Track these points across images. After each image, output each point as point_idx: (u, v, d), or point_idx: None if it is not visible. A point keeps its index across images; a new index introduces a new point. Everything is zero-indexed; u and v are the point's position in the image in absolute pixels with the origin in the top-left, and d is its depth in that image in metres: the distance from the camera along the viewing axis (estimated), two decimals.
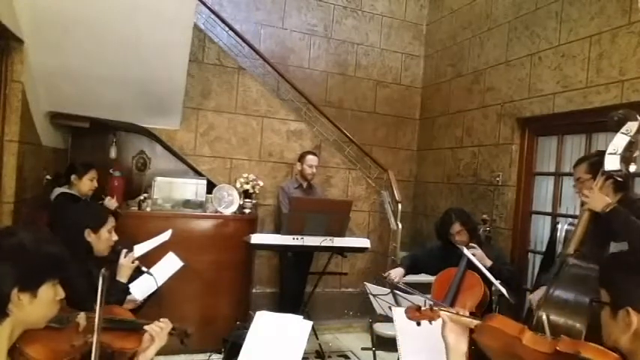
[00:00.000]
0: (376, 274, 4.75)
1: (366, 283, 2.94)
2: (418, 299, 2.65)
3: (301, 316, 1.93)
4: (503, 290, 2.78)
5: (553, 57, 3.77)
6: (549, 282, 2.09)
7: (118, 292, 2.32)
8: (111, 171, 4.11)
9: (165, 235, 2.74)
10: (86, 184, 3.35)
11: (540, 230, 4.03)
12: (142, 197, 3.90)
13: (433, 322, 1.44)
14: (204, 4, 4.63)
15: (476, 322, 1.36)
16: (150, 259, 2.53)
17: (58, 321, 1.45)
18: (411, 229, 5.65)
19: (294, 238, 3.42)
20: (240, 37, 4.78)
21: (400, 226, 4.66)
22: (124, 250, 2.40)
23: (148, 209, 3.85)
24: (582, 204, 2.22)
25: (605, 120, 2.23)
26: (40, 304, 1.29)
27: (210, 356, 3.57)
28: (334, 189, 4.91)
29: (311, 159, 4.24)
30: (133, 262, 2.38)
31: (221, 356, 3.51)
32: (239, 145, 4.57)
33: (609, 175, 2.09)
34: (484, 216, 3.34)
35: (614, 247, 2.23)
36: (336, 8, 5.58)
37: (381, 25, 5.78)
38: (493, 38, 4.54)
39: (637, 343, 1.14)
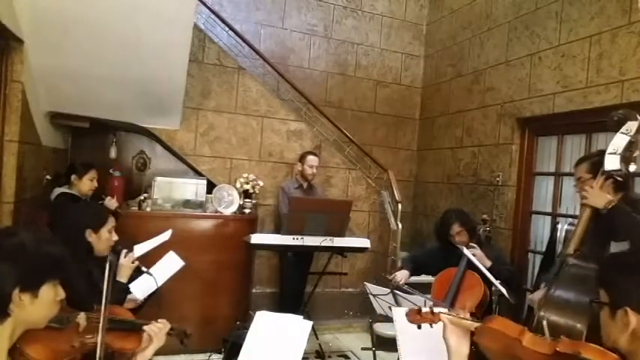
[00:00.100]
0: (376, 274, 4.75)
1: (366, 283, 2.94)
2: (418, 299, 2.65)
3: (301, 316, 1.93)
4: (503, 290, 2.78)
5: (553, 57, 3.77)
6: (549, 282, 2.09)
7: (118, 292, 2.31)
8: (111, 171, 4.11)
9: (165, 235, 2.74)
10: (86, 184, 3.35)
11: (540, 230, 4.03)
12: (142, 197, 3.90)
13: (434, 325, 1.44)
14: (204, 4, 4.63)
15: (476, 324, 1.36)
16: (150, 259, 2.53)
17: (59, 321, 1.45)
18: (411, 229, 5.65)
19: (294, 238, 3.42)
20: (240, 37, 4.78)
21: (400, 226, 4.66)
22: (124, 251, 2.40)
23: (148, 209, 3.85)
24: (582, 205, 2.21)
25: (605, 120, 2.23)
26: (40, 304, 1.29)
27: (210, 356, 3.57)
28: (334, 189, 4.91)
29: (312, 159, 4.25)
30: (133, 262, 2.39)
31: (221, 356, 3.51)
32: (239, 145, 4.57)
33: (609, 174, 2.09)
34: (484, 216, 3.34)
35: (614, 247, 2.23)
36: (336, 8, 5.58)
37: (381, 25, 5.78)
38: (493, 38, 4.54)
39: (636, 343, 1.14)
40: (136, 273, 2.41)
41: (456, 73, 5.15)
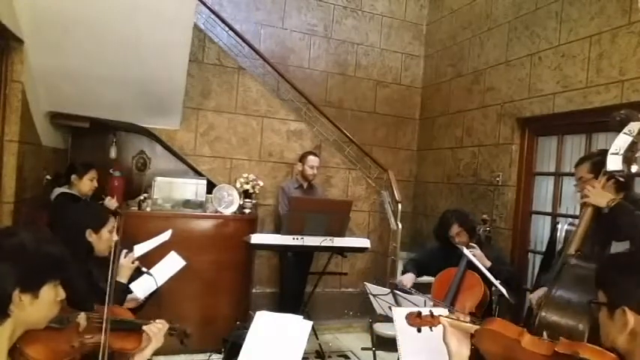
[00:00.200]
0: (376, 274, 4.77)
1: (366, 283, 2.94)
2: (418, 299, 2.65)
3: (301, 316, 1.93)
4: (503, 290, 2.78)
5: (553, 57, 3.77)
6: (550, 283, 2.09)
7: (118, 292, 2.31)
8: (111, 171, 4.11)
9: (165, 235, 2.73)
10: (86, 184, 3.35)
11: (540, 230, 4.03)
12: (142, 197, 3.90)
13: (434, 328, 1.45)
14: (204, 4, 4.63)
15: (476, 327, 1.36)
16: (150, 259, 2.53)
17: (59, 321, 1.45)
18: (411, 229, 5.65)
19: (294, 238, 3.41)
20: (240, 37, 4.78)
21: (400, 226, 4.66)
22: (124, 251, 2.40)
23: (148, 209, 3.85)
24: (582, 205, 2.21)
25: (605, 120, 2.23)
26: (41, 304, 1.29)
27: (210, 356, 3.57)
28: (334, 189, 4.91)
29: (312, 159, 4.25)
30: (133, 263, 2.38)
31: (221, 356, 3.51)
32: (239, 145, 4.57)
33: (611, 175, 2.09)
34: (484, 216, 3.34)
35: (615, 247, 2.23)
36: (336, 8, 5.58)
37: (381, 25, 5.78)
38: (493, 38, 4.54)
39: (634, 343, 1.14)
40: (136, 273, 2.41)
41: (456, 73, 5.15)
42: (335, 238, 3.51)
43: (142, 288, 2.38)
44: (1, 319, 1.22)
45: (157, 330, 1.68)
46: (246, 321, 2.78)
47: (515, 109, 4.16)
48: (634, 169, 2.04)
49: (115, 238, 2.41)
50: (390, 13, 5.81)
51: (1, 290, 1.21)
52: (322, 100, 5.46)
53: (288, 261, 4.11)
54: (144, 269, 2.40)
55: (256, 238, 3.45)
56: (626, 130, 2.05)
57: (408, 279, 3.14)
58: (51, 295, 1.32)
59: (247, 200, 4.16)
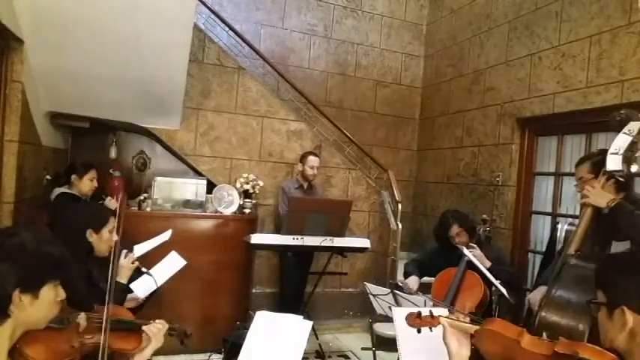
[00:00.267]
0: (376, 274, 4.76)
1: (366, 283, 2.94)
2: (418, 299, 2.65)
3: (301, 316, 1.93)
4: (503, 290, 2.78)
5: (553, 57, 3.77)
6: (550, 283, 2.09)
7: (118, 292, 2.31)
8: (111, 171, 4.11)
9: (165, 235, 2.73)
10: (86, 184, 3.35)
11: (540, 230, 4.03)
12: (142, 197, 3.90)
13: (434, 328, 1.45)
14: (204, 4, 4.63)
15: (476, 327, 1.36)
16: (150, 259, 2.53)
17: (59, 321, 1.45)
18: (411, 229, 5.65)
19: (294, 238, 3.41)
20: (240, 37, 4.78)
21: (400, 226, 4.66)
22: (124, 251, 2.40)
23: (148, 209, 3.85)
24: (582, 206, 2.21)
25: (605, 120, 2.22)
26: (41, 305, 1.29)
27: (210, 356, 3.57)
28: (334, 189, 4.91)
29: (312, 160, 4.25)
30: (133, 263, 2.38)
31: (221, 356, 3.51)
32: (239, 145, 4.56)
33: (611, 175, 2.08)
34: (484, 216, 3.34)
35: (615, 247, 2.22)
36: (336, 8, 5.58)
37: (381, 25, 5.78)
38: (493, 38, 4.54)
39: (633, 343, 1.15)
40: (136, 273, 2.41)
41: (456, 73, 5.15)
42: (335, 238, 3.51)
43: (142, 288, 2.38)
44: (1, 320, 1.22)
45: (156, 330, 1.68)
46: (246, 321, 2.78)
47: (515, 109, 4.16)
48: (634, 168, 2.04)
49: (115, 238, 2.41)
50: (390, 13, 5.81)
51: (1, 290, 1.21)
52: (322, 100, 5.46)
53: (288, 261, 4.12)
54: (144, 269, 2.40)
55: (256, 238, 3.45)
56: (625, 129, 2.04)
57: (413, 282, 3.14)
58: (51, 296, 1.32)
59: (247, 200, 4.16)
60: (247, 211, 4.14)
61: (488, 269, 2.86)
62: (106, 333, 1.42)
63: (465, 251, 2.90)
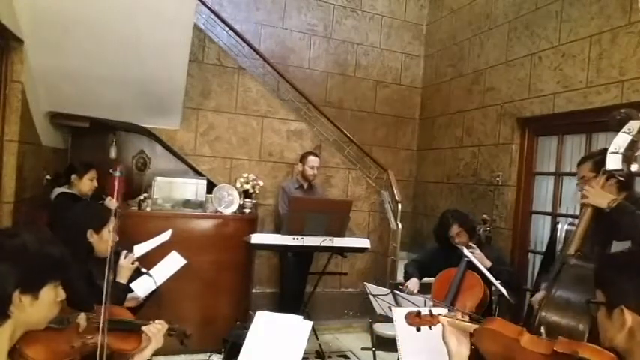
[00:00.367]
0: (376, 274, 4.76)
1: (366, 283, 2.94)
2: (418, 299, 2.65)
3: (301, 316, 1.93)
4: (504, 290, 2.78)
5: (553, 57, 3.77)
6: (550, 283, 2.08)
7: (118, 292, 2.31)
8: (111, 171, 4.11)
9: (165, 235, 2.73)
10: (86, 184, 3.35)
11: (540, 230, 4.03)
12: (142, 197, 3.90)
13: (433, 327, 1.44)
14: (204, 4, 4.63)
15: (475, 326, 1.36)
16: (150, 260, 2.53)
17: (59, 322, 1.45)
18: (411, 229, 5.65)
19: (294, 238, 3.41)
20: (240, 37, 4.78)
21: (400, 226, 4.66)
22: (124, 251, 2.40)
23: (148, 209, 3.85)
24: (582, 206, 2.20)
25: (605, 120, 2.22)
26: (41, 305, 1.29)
27: (210, 356, 3.57)
28: (334, 189, 4.91)
29: (312, 160, 4.25)
30: (132, 263, 2.38)
31: (221, 356, 3.51)
32: (239, 145, 4.56)
33: (611, 174, 2.08)
34: (484, 216, 3.35)
35: (616, 246, 2.22)
36: (336, 8, 5.58)
37: (381, 25, 5.78)
38: (493, 38, 4.54)
39: (632, 342, 1.15)
40: (136, 274, 2.41)
41: (456, 73, 5.15)
42: (335, 238, 3.51)
43: (142, 287, 2.38)
44: (2, 320, 1.22)
45: (156, 330, 1.67)
46: (246, 321, 2.78)
47: (515, 109, 4.16)
48: (634, 168, 2.03)
49: (116, 238, 2.41)
50: (390, 13, 5.81)
51: (2, 291, 1.21)
52: (322, 100, 5.46)
53: (288, 261, 4.12)
54: (143, 270, 2.40)
55: (256, 238, 3.45)
56: (625, 129, 2.04)
57: (413, 284, 3.14)
58: (51, 296, 1.32)
59: (247, 200, 4.16)
60: (247, 211, 4.14)
61: (489, 269, 2.86)
62: (105, 333, 1.42)
63: (465, 251, 2.90)
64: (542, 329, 1.69)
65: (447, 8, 5.45)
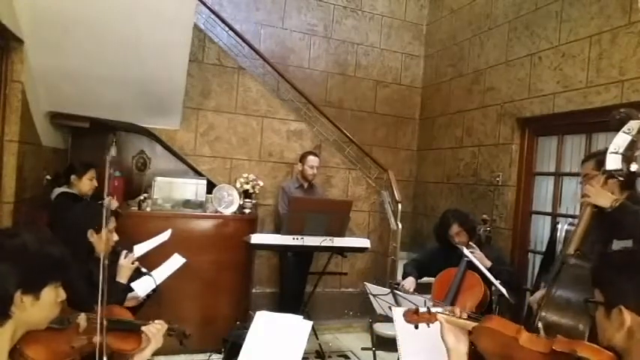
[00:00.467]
0: (376, 274, 4.76)
1: (366, 283, 2.94)
2: (418, 299, 2.65)
3: (301, 316, 1.93)
4: (504, 290, 2.78)
5: (553, 57, 3.77)
6: (550, 283, 2.08)
7: (118, 292, 2.32)
8: (111, 171, 4.10)
9: (165, 235, 2.74)
10: (86, 184, 3.34)
11: (540, 230, 4.03)
12: (142, 197, 3.90)
13: (431, 324, 1.44)
14: (204, 4, 4.63)
15: (473, 324, 1.36)
16: (149, 260, 2.53)
17: (59, 322, 1.45)
18: (411, 229, 5.65)
19: (294, 238, 3.41)
20: (240, 37, 4.78)
21: (400, 226, 4.66)
22: (124, 251, 2.40)
23: (148, 209, 3.85)
24: (583, 204, 2.20)
25: (605, 120, 2.22)
26: (42, 306, 1.29)
27: (210, 356, 3.57)
28: (334, 189, 4.91)
29: (312, 160, 4.25)
30: (132, 263, 2.39)
31: (221, 356, 3.51)
32: (239, 145, 4.57)
33: (610, 174, 2.08)
34: (484, 216, 3.35)
35: (616, 245, 2.22)
36: (336, 8, 5.58)
37: (381, 25, 5.78)
38: (493, 38, 4.54)
39: (631, 342, 1.14)
40: (136, 274, 2.41)
41: (456, 73, 5.15)
42: (335, 238, 3.51)
43: (142, 287, 2.38)
44: (3, 321, 1.22)
45: (155, 331, 1.67)
46: (246, 321, 2.78)
47: (515, 109, 4.16)
48: (633, 167, 2.03)
49: (115, 238, 2.41)
50: (390, 13, 5.81)
51: (3, 291, 1.21)
52: (322, 100, 5.46)
53: (288, 261, 4.12)
54: (144, 269, 2.41)
55: (256, 238, 3.45)
56: (625, 128, 2.03)
57: (409, 283, 3.14)
58: (52, 297, 1.31)
59: (247, 200, 4.16)
60: (247, 211, 4.14)
61: (489, 269, 2.86)
62: (103, 334, 1.42)
63: (465, 251, 2.90)
64: (541, 328, 1.69)
65: (447, 8, 5.45)
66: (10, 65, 2.89)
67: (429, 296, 2.88)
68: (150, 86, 3.57)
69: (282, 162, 4.71)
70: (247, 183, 4.21)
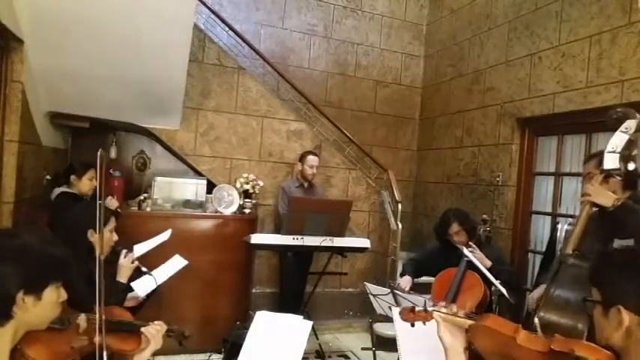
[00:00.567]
0: (376, 274, 4.76)
1: (366, 283, 2.94)
2: (418, 299, 2.65)
3: (301, 316, 1.93)
4: (504, 290, 2.78)
5: (553, 57, 3.77)
6: (548, 283, 2.08)
7: (118, 292, 2.32)
8: (111, 171, 4.11)
9: (165, 235, 2.74)
10: (86, 183, 3.34)
11: (540, 230, 4.03)
12: (142, 197, 3.90)
13: (427, 322, 1.44)
14: (204, 4, 4.63)
15: (469, 322, 1.36)
16: (149, 259, 2.53)
17: (59, 322, 1.45)
18: (411, 229, 5.65)
19: (294, 238, 3.42)
20: (240, 37, 4.78)
21: (400, 226, 4.66)
22: (124, 251, 2.40)
23: (148, 209, 3.85)
24: (583, 203, 2.20)
25: (605, 120, 2.22)
26: (44, 306, 1.29)
27: (210, 356, 3.57)
28: (334, 189, 4.91)
29: (312, 159, 4.25)
30: (132, 263, 2.39)
31: (221, 356, 3.51)
32: (239, 145, 4.57)
33: (608, 173, 2.08)
34: (484, 216, 3.34)
35: (617, 244, 2.22)
36: (336, 8, 5.58)
37: (381, 25, 5.78)
38: (493, 38, 4.54)
39: (629, 341, 1.14)
40: (136, 273, 2.41)
41: (456, 73, 5.15)
42: (335, 238, 3.51)
43: (142, 287, 2.39)
44: (4, 321, 1.22)
45: (155, 332, 1.67)
46: (246, 321, 2.78)
47: (515, 109, 4.16)
48: (631, 167, 2.03)
49: (115, 238, 2.42)
50: (390, 13, 5.81)
51: (5, 292, 1.21)
52: (322, 100, 5.46)
53: (288, 261, 4.12)
54: (144, 269, 2.41)
55: (256, 238, 3.45)
56: (622, 127, 2.03)
57: (405, 282, 3.14)
58: (54, 297, 1.32)
59: (247, 200, 4.17)
60: (247, 211, 4.14)
61: (489, 269, 2.86)
62: (103, 334, 1.42)
63: (465, 251, 2.90)
64: (538, 326, 1.69)
65: (447, 8, 5.45)
66: (10, 65, 2.89)
67: (428, 296, 2.88)
68: (150, 86, 3.57)
69: (282, 162, 4.71)
70: (247, 183, 4.21)
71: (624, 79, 3.17)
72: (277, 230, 4.14)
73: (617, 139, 2.03)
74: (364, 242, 3.73)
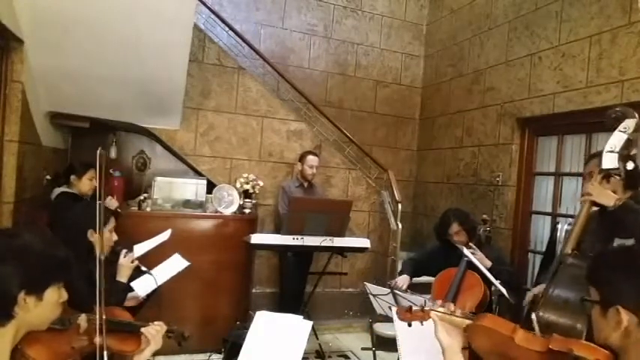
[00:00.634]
0: (376, 274, 4.76)
1: (366, 283, 2.94)
2: (418, 299, 2.65)
3: (301, 316, 1.93)
4: (504, 290, 2.78)
5: (553, 57, 3.77)
6: (547, 283, 2.08)
7: (118, 292, 2.32)
8: (111, 171, 4.11)
9: (165, 235, 2.74)
10: (86, 183, 3.34)
11: (540, 230, 4.03)
12: (142, 197, 3.90)
13: (424, 322, 1.44)
14: (204, 4, 4.63)
15: (467, 321, 1.35)
16: (150, 259, 2.53)
17: (60, 322, 1.45)
18: (411, 229, 5.65)
19: (294, 238, 3.42)
20: (240, 37, 4.78)
21: (400, 226, 4.66)
22: (124, 251, 2.40)
23: (148, 209, 3.85)
24: (583, 202, 2.19)
25: (603, 119, 2.22)
26: (45, 306, 1.29)
27: (210, 356, 3.57)
28: (334, 189, 4.91)
29: (311, 159, 4.25)
30: (132, 262, 2.39)
31: (221, 356, 3.51)
32: (239, 145, 4.57)
33: (607, 173, 2.08)
34: (484, 216, 3.34)
35: (617, 244, 2.21)
36: (336, 8, 5.58)
37: (381, 25, 5.78)
38: (493, 38, 4.54)
39: (627, 341, 1.14)
40: (136, 273, 2.41)
41: (456, 73, 5.15)
42: (335, 238, 3.51)
43: (142, 286, 2.39)
44: (6, 321, 1.22)
45: (155, 332, 1.67)
46: (246, 321, 2.78)
47: (515, 109, 4.16)
48: (630, 166, 2.03)
49: (115, 238, 2.42)
50: (390, 13, 5.81)
51: (7, 292, 1.21)
52: (322, 100, 5.46)
53: (288, 261, 4.12)
54: (144, 268, 2.41)
55: (256, 238, 3.45)
56: (621, 127, 2.03)
57: (401, 280, 3.14)
58: (55, 297, 1.32)
59: (247, 200, 4.16)
60: (247, 211, 4.14)
61: (489, 269, 2.86)
62: (103, 335, 1.42)
63: (465, 251, 2.90)
64: (536, 326, 1.69)
65: (447, 8, 5.45)
66: (10, 65, 2.89)
67: (428, 296, 2.88)
68: (150, 86, 3.57)
69: (282, 162, 4.71)
70: (247, 183, 4.21)
71: (624, 79, 3.17)
72: (277, 230, 4.14)
73: (616, 139, 2.03)
74: (364, 242, 3.73)
